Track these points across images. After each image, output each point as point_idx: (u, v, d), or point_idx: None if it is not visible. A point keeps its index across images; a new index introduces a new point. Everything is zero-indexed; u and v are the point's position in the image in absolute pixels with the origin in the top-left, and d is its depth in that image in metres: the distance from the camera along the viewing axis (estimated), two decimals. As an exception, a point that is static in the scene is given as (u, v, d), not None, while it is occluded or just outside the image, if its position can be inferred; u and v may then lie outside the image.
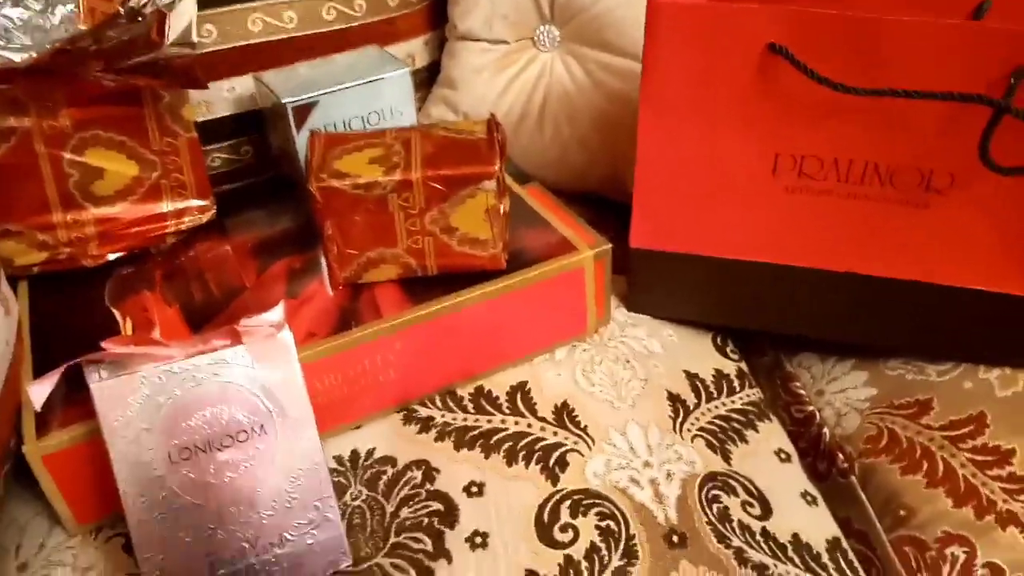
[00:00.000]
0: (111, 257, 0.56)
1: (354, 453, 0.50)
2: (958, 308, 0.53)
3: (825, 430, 0.58)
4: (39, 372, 0.47)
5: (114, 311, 0.52)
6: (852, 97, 0.48)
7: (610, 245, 0.56)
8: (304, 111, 0.58)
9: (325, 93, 0.58)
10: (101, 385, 0.40)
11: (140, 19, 0.48)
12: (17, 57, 0.48)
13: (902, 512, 0.51)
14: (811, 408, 0.60)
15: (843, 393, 0.59)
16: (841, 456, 0.56)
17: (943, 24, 0.45)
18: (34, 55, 0.48)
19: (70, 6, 0.50)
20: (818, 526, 0.50)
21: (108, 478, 0.41)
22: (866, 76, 0.47)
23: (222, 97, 0.65)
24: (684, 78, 0.51)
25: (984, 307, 0.53)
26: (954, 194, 0.50)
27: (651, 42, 0.51)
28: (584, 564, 0.44)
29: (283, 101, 0.58)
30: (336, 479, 0.48)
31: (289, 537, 0.42)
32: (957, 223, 0.50)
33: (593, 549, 0.45)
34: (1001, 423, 0.51)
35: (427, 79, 0.78)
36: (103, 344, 0.40)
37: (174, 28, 0.50)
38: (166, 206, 0.57)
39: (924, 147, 0.49)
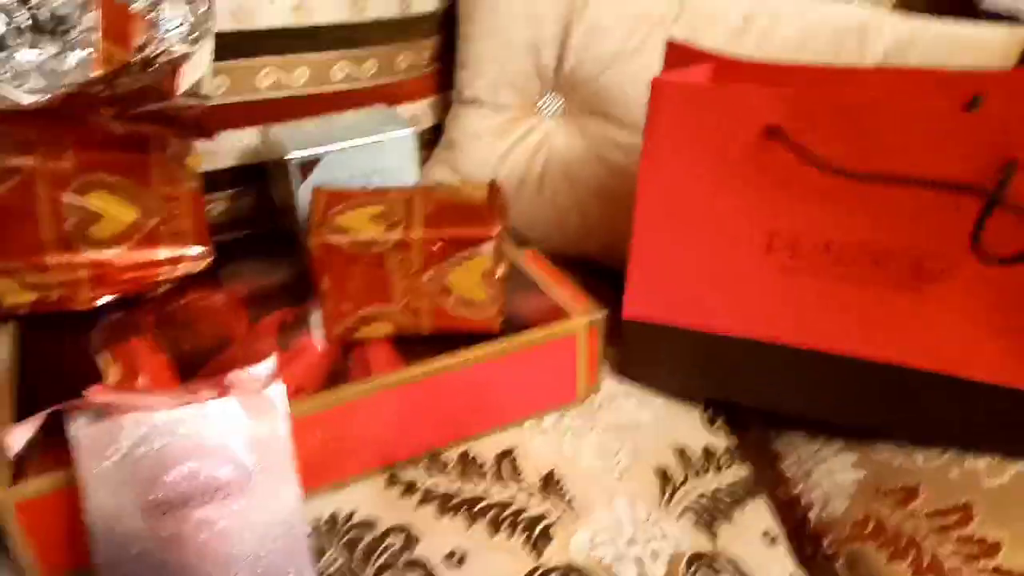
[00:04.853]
0: (103, 301, 0.55)
1: (332, 515, 0.49)
2: (947, 395, 0.53)
3: (811, 513, 0.57)
4: (22, 415, 0.46)
5: (97, 359, 0.51)
6: (846, 180, 0.48)
7: (604, 313, 0.56)
8: (308, 167, 0.59)
9: (330, 150, 0.59)
10: (81, 433, 0.39)
11: (154, 68, 0.49)
12: (29, 99, 0.48)
13: (888, 602, 0.50)
14: (798, 490, 0.59)
15: (831, 476, 0.58)
16: (827, 540, 0.55)
17: (938, 110, 0.46)
18: (46, 97, 0.49)
19: (87, 50, 0.51)
20: (804, 613, 0.49)
21: (80, 529, 0.40)
22: (861, 160, 0.48)
23: (227, 148, 0.66)
24: (683, 154, 0.52)
25: (974, 395, 0.53)
26: (946, 280, 0.50)
27: (653, 118, 0.52)
28: (565, 643, 0.43)
29: (288, 156, 0.58)
30: (314, 542, 0.47)
31: (263, 600, 0.41)
32: (948, 310, 0.51)
33: (574, 628, 0.43)
34: (988, 514, 0.51)
35: (430, 141, 0.79)
36: (85, 392, 0.40)
37: (187, 79, 0.51)
38: (163, 252, 0.57)
39: (917, 233, 0.49)
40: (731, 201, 0.52)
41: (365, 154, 0.61)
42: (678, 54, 0.59)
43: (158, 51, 0.53)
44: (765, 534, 0.53)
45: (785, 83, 0.58)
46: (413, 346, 0.52)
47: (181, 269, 0.58)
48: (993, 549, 0.49)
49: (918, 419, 0.55)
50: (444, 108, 0.79)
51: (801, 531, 0.57)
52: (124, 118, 0.52)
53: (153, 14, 0.50)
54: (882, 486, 0.55)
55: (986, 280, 0.49)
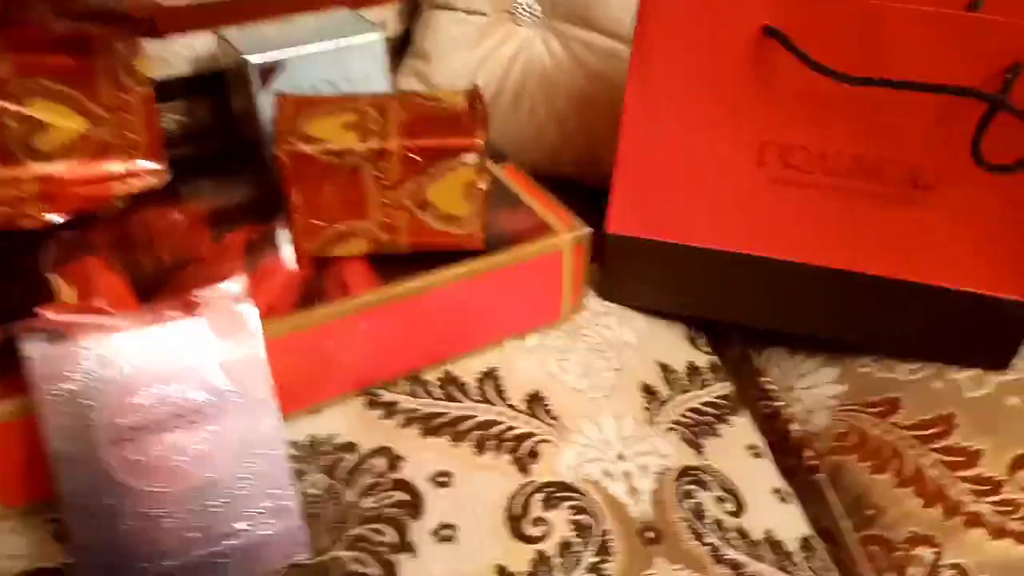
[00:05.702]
0: (52, 219, 0.51)
1: (312, 438, 0.47)
2: (936, 307, 0.53)
3: (793, 426, 0.57)
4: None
5: (49, 278, 0.48)
6: (843, 87, 0.46)
7: (589, 229, 0.54)
8: (269, 72, 0.55)
9: (293, 54, 0.55)
10: (37, 355, 0.36)
11: (94, -42, 0.44)
12: (-49, -9, 0.43)
13: (870, 511, 0.50)
14: (779, 404, 0.59)
15: (812, 390, 0.59)
16: (810, 453, 0.55)
17: (941, 14, 0.44)
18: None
19: (14, -61, 0.46)
20: (791, 524, 0.49)
21: (41, 458, 0.37)
22: (860, 65, 0.46)
23: (179, 55, 0.61)
24: (675, 59, 0.49)
25: (962, 307, 0.52)
26: (940, 191, 0.49)
27: (643, 21, 0.49)
28: (557, 560, 0.42)
29: (247, 59, 0.54)
30: (293, 466, 0.45)
31: (243, 528, 0.39)
32: (941, 221, 0.50)
33: (566, 544, 0.43)
34: (969, 424, 0.51)
35: (398, 49, 0.75)
36: (40, 311, 0.36)
37: (131, -30, 0.46)
38: (114, 166, 0.53)
39: (913, 142, 0.48)
40: (722, 109, 0.50)
41: (331, 60, 0.57)
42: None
43: (98, -60, 0.47)
44: (750, 447, 0.53)
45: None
46: (392, 264, 0.49)
47: (135, 184, 0.54)
48: (974, 457, 0.50)
49: (904, 331, 0.55)
50: (412, 14, 0.75)
51: (784, 445, 0.57)
52: (64, 16, 0.47)
53: None
54: (864, 399, 0.55)
55: (981, 190, 0.48)
